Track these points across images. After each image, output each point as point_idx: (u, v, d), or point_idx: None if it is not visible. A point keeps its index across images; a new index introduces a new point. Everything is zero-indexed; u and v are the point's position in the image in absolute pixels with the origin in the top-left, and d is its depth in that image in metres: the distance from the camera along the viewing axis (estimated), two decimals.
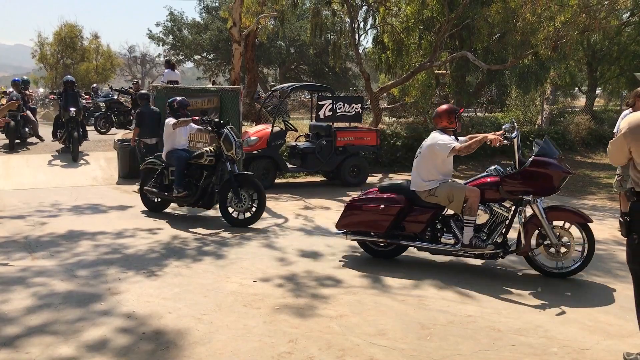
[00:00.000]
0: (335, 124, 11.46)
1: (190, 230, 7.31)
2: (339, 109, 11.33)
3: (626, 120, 3.56)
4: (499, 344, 3.98)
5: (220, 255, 6.12)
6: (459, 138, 5.77)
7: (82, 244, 6.47)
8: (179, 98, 8.46)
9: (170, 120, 8.05)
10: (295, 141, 11.92)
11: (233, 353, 3.76)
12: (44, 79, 35.26)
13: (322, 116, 11.26)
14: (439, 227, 5.75)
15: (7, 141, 13.13)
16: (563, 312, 4.60)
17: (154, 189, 8.15)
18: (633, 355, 3.69)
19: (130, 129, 15.42)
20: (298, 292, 4.99)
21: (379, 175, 12.59)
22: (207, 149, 7.88)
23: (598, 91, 25.10)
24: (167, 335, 4.02)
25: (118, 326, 4.14)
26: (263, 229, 7.43)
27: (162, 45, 37.20)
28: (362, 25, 16.79)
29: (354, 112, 11.58)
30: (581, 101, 26.51)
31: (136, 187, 10.34)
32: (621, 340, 4.04)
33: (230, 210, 7.58)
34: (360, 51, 17.77)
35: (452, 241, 5.58)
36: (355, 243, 6.74)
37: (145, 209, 8.43)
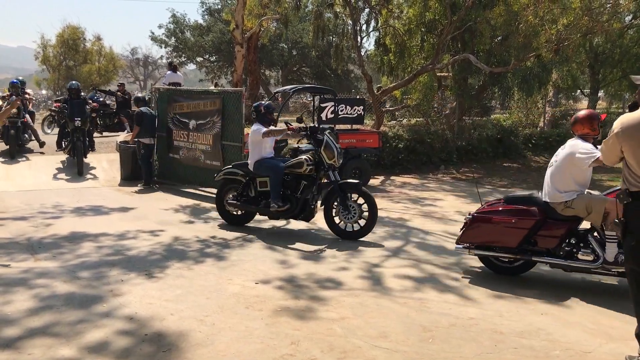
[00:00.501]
0: (337, 126, 11.46)
1: (192, 231, 7.31)
2: (341, 111, 11.34)
3: (619, 120, 3.55)
4: (501, 346, 3.98)
5: (221, 257, 6.12)
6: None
7: (84, 245, 6.47)
8: (265, 102, 7.72)
9: (260, 129, 7.29)
10: (297, 143, 11.92)
11: (235, 355, 3.76)
12: (46, 81, 35.35)
13: (324, 118, 11.27)
14: (574, 242, 5.29)
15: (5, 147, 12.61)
16: (565, 315, 4.59)
17: (238, 202, 7.50)
18: (635, 357, 3.68)
19: (120, 134, 15.11)
20: (300, 294, 4.99)
21: (381, 178, 12.59)
22: (305, 157, 7.21)
23: (600, 94, 25.09)
24: (169, 337, 4.02)
25: (119, 328, 4.14)
26: (264, 231, 7.43)
27: (165, 47, 37.34)
28: (364, 27, 16.85)
29: (356, 115, 11.59)
30: (583, 104, 26.49)
31: (137, 188, 10.42)
32: (624, 343, 4.03)
33: (338, 221, 7.11)
34: (363, 53, 17.81)
35: (591, 257, 5.12)
36: (354, 244, 6.75)
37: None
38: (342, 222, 7.09)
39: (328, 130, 7.46)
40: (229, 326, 4.22)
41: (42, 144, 12.98)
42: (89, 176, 11.38)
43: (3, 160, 12.06)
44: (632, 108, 3.76)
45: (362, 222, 7.04)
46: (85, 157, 11.71)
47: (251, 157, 7.42)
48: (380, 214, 8.63)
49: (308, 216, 7.28)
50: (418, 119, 16.95)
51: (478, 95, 17.00)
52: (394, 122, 17.85)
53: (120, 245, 6.53)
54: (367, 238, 7.10)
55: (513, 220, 5.32)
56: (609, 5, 13.93)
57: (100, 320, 4.28)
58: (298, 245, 6.72)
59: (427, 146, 14.05)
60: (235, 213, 7.73)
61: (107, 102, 17.28)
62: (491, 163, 14.63)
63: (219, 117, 9.76)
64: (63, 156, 12.38)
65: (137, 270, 5.55)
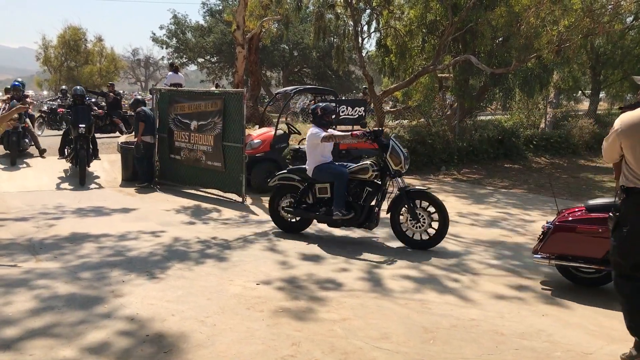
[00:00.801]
0: (338, 127, 11.45)
1: (193, 232, 7.31)
2: (342, 112, 11.34)
3: (619, 118, 3.69)
4: (502, 347, 3.97)
5: (222, 258, 6.12)
6: None
7: (85, 246, 6.48)
8: (322, 104, 7.28)
9: (318, 133, 6.88)
10: (299, 144, 11.94)
11: (236, 356, 3.76)
12: (47, 82, 35.43)
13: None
14: None
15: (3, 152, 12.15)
16: (566, 317, 4.59)
17: (296, 209, 7.14)
18: (627, 352, 3.78)
19: (121, 135, 14.95)
20: (301, 295, 4.99)
21: None
22: (370, 162, 6.86)
23: (601, 95, 25.09)
24: (170, 338, 4.02)
25: (120, 329, 4.14)
26: (265, 232, 7.43)
27: (166, 48, 37.37)
28: (365, 28, 16.82)
29: (357, 115, 11.59)
30: (585, 105, 26.48)
31: (135, 188, 10.42)
32: (625, 345, 4.02)
33: (405, 230, 6.73)
34: (364, 54, 17.79)
35: None
36: (354, 245, 6.75)
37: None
38: (410, 231, 6.72)
39: (394, 134, 7.07)
40: (230, 327, 4.23)
41: (42, 152, 12.48)
42: (92, 185, 10.74)
43: (3, 167, 11.66)
44: (627, 109, 3.83)
45: (431, 230, 6.66)
46: (89, 167, 11.11)
47: (310, 162, 7.04)
48: (381, 215, 8.65)
49: (372, 224, 6.87)
50: (419, 121, 16.94)
51: (479, 96, 16.99)
52: (396, 122, 17.85)
53: (121, 246, 6.53)
54: (368, 240, 7.10)
55: (599, 230, 4.95)
56: (610, 7, 13.93)
57: (101, 321, 4.28)
58: (297, 247, 6.72)
59: (428, 147, 14.04)
60: (290, 220, 7.40)
61: (101, 103, 17.12)
62: (492, 164, 14.62)
63: (220, 118, 9.76)
64: (68, 172, 11.56)
65: (138, 271, 5.55)
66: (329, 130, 7.15)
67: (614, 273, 3.82)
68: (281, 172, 7.49)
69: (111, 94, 16.84)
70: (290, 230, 7.38)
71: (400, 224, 6.75)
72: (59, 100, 18.60)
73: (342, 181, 6.76)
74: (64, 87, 22.62)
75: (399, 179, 6.72)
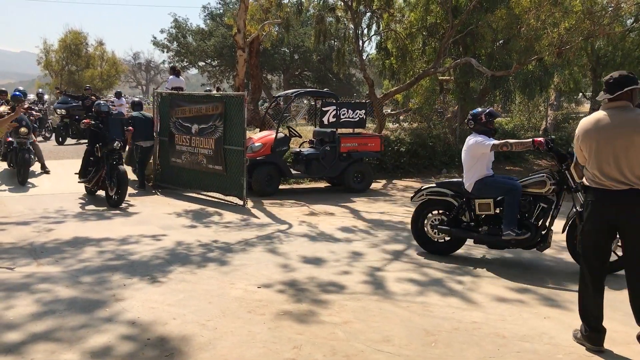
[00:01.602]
0: (339, 130, 11.48)
1: (194, 236, 7.31)
2: (343, 115, 11.35)
3: (579, 124, 4.11)
4: (503, 350, 3.97)
5: (224, 262, 6.12)
6: None
7: (86, 250, 6.48)
8: (487, 109, 6.64)
9: (485, 141, 6.25)
10: (299, 147, 11.95)
11: (237, 359, 3.76)
12: (49, 86, 35.50)
13: (326, 122, 11.29)
14: None
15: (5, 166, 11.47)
16: (568, 319, 4.58)
17: (452, 228, 6.40)
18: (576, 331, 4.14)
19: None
20: (302, 298, 4.98)
21: (383, 181, 12.60)
22: (546, 175, 6.08)
23: None
24: (172, 341, 4.02)
25: (122, 333, 4.14)
26: (267, 235, 7.43)
27: (167, 52, 37.47)
28: (366, 31, 16.84)
29: (357, 118, 11.60)
30: (585, 107, 26.51)
31: (134, 191, 10.41)
32: (626, 347, 4.02)
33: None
34: (364, 57, 17.80)
35: None
36: (356, 248, 6.75)
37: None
38: None
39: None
40: (232, 330, 4.22)
41: (47, 172, 11.71)
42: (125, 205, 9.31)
43: (10, 188, 10.57)
44: None
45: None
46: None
47: (470, 175, 6.36)
48: (381, 217, 8.66)
49: (545, 246, 6.08)
50: (420, 123, 16.95)
51: (480, 98, 17.00)
52: (397, 124, 17.86)
53: (122, 249, 6.54)
54: (368, 242, 7.09)
55: None
56: (610, 9, 13.95)
57: (103, 325, 4.28)
58: (299, 250, 6.72)
59: (429, 150, 14.05)
60: (437, 240, 6.63)
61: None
62: (493, 166, 14.61)
63: (221, 122, 9.78)
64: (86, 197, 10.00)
65: (140, 275, 5.55)
66: (491, 138, 6.39)
67: (581, 264, 4.11)
68: (429, 186, 6.72)
69: (93, 96, 16.77)
70: (437, 251, 6.59)
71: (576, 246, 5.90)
72: (38, 104, 18.30)
73: (515, 197, 6.04)
74: (40, 90, 22.23)
75: (579, 194, 5.81)
